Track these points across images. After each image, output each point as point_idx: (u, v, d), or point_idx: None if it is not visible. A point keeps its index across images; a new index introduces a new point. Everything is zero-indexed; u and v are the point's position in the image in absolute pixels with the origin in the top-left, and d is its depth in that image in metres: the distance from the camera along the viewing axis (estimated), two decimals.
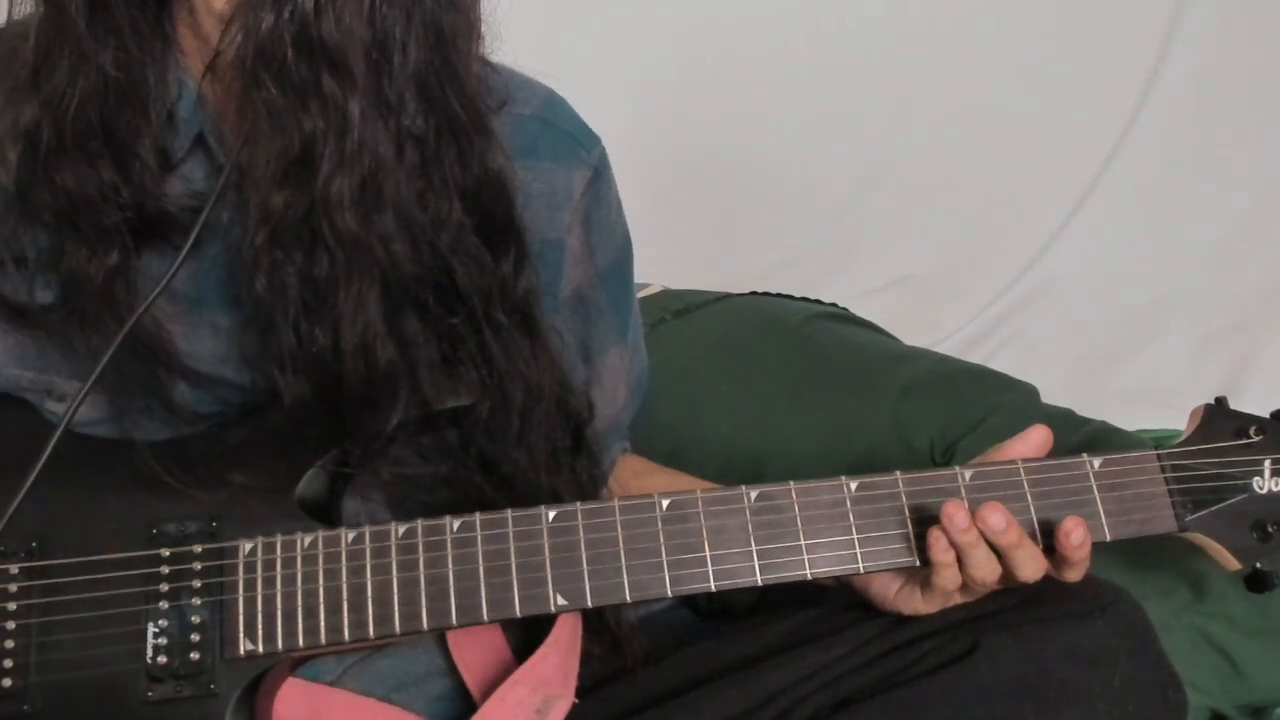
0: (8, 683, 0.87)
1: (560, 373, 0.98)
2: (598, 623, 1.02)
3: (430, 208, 0.89)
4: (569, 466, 0.99)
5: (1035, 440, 0.97)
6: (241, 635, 0.88)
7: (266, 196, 0.84)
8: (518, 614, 0.89)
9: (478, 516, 0.91)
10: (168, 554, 0.89)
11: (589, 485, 1.01)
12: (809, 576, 0.92)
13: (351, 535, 0.90)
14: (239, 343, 0.93)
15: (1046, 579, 0.93)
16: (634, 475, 1.15)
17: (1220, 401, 0.98)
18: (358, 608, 0.89)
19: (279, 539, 0.90)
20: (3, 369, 0.94)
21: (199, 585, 0.89)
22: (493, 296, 0.92)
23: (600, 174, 1.04)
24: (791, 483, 0.93)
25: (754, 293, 1.81)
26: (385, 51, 0.84)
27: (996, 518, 0.89)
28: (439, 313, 0.92)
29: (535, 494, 0.96)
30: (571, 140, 1.02)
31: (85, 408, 0.87)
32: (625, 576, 0.90)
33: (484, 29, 0.91)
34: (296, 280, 0.86)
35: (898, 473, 0.94)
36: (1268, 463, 0.95)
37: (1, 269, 0.91)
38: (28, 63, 0.86)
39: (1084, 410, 1.56)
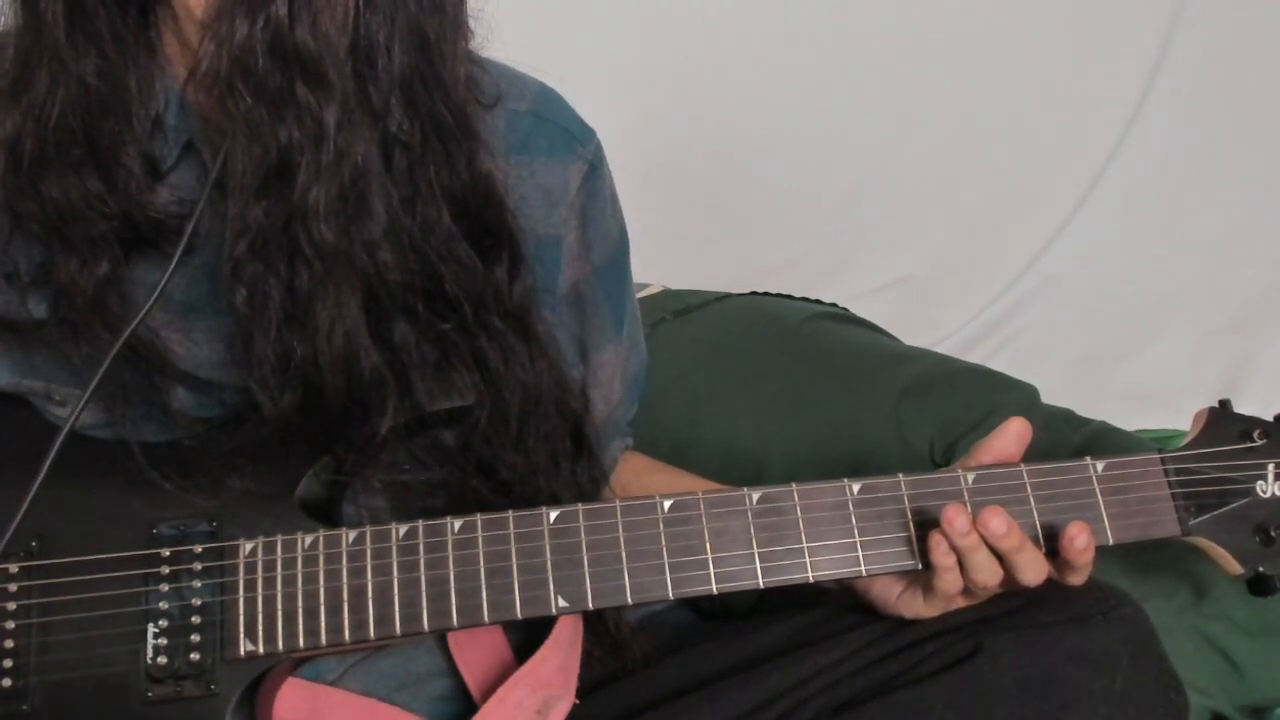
0: (7, 683, 0.87)
1: (559, 375, 0.98)
2: (598, 624, 1.02)
3: (418, 214, 0.88)
4: (569, 470, 0.99)
5: (1014, 432, 0.97)
6: (242, 636, 0.88)
7: (245, 207, 0.83)
8: (519, 616, 0.89)
9: (479, 517, 0.90)
10: (168, 553, 0.89)
11: (589, 487, 1.01)
12: (811, 579, 0.92)
13: (352, 535, 0.90)
14: (236, 347, 0.92)
15: (1049, 582, 0.93)
16: (635, 475, 1.15)
17: (1224, 404, 0.98)
18: (358, 608, 0.89)
19: (279, 539, 0.90)
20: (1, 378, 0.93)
21: (199, 585, 0.89)
22: (486, 302, 0.92)
23: (595, 167, 1.03)
24: (794, 484, 0.92)
25: (754, 293, 1.80)
26: (369, 57, 0.82)
27: (997, 521, 0.89)
28: (430, 319, 0.91)
29: (534, 498, 0.95)
30: (566, 134, 1.01)
31: (85, 413, 0.86)
32: (626, 578, 0.90)
33: (475, 26, 0.90)
34: (277, 292, 0.85)
35: (900, 475, 0.93)
36: (1271, 466, 0.95)
37: None
38: (7, 73, 0.86)
39: (1084, 410, 1.56)
